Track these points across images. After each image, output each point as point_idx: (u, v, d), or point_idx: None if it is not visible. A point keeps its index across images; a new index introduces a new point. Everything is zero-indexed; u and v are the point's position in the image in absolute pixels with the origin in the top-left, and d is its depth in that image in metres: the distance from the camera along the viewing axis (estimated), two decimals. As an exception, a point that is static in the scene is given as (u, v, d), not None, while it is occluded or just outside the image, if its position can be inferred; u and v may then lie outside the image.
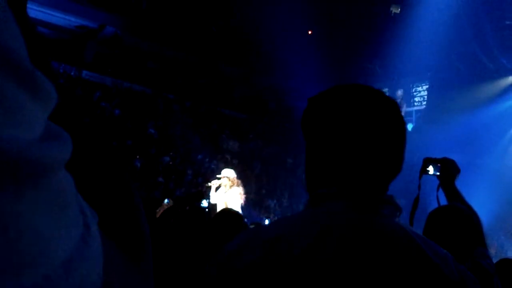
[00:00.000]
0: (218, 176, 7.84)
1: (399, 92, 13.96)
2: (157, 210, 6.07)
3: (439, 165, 2.43)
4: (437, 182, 2.44)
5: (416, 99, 14.27)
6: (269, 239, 1.04)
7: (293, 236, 1.03)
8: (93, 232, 0.38)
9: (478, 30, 11.85)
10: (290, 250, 1.01)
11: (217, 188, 7.72)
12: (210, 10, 12.45)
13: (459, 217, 2.14)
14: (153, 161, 11.77)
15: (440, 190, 2.42)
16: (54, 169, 0.34)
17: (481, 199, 8.64)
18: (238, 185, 7.73)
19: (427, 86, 14.04)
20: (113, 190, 0.57)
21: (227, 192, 7.61)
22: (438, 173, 2.42)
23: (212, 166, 12.33)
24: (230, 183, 7.65)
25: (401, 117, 1.15)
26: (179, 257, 3.30)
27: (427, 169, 2.46)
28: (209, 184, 7.83)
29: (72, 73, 14.93)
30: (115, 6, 13.33)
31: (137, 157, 11.76)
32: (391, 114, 1.13)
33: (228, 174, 7.79)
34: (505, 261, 3.15)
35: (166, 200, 6.76)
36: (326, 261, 0.98)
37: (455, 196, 2.31)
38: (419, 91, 14.25)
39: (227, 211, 3.75)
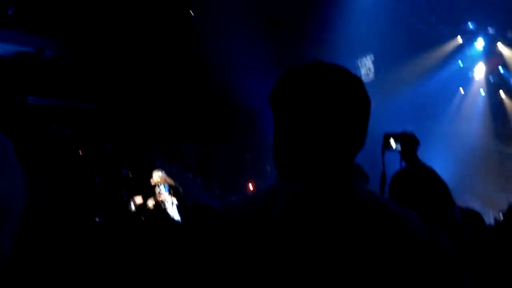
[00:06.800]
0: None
1: None
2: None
3: (399, 139, 2.45)
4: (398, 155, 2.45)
5: (363, 71, 14.44)
6: (242, 215, 1.08)
7: (261, 212, 1.05)
8: (10, 155, 0.37)
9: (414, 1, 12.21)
10: (260, 225, 1.02)
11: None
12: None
13: (425, 176, 2.10)
14: (112, 175, 11.62)
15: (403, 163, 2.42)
16: None
17: (441, 164, 8.81)
18: (168, 182, 7.82)
19: (372, 59, 14.25)
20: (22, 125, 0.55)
21: (161, 193, 7.63)
22: (399, 148, 2.45)
23: (174, 171, 12.24)
24: (159, 181, 7.71)
25: (365, 93, 1.20)
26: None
27: (389, 144, 2.47)
28: (135, 199, 7.80)
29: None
30: (52, 30, 13.10)
31: (95, 173, 11.57)
32: (355, 90, 1.17)
33: (155, 176, 7.86)
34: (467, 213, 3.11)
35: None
36: (298, 228, 1.00)
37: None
38: (365, 63, 14.42)
39: (198, 206, 3.83)
